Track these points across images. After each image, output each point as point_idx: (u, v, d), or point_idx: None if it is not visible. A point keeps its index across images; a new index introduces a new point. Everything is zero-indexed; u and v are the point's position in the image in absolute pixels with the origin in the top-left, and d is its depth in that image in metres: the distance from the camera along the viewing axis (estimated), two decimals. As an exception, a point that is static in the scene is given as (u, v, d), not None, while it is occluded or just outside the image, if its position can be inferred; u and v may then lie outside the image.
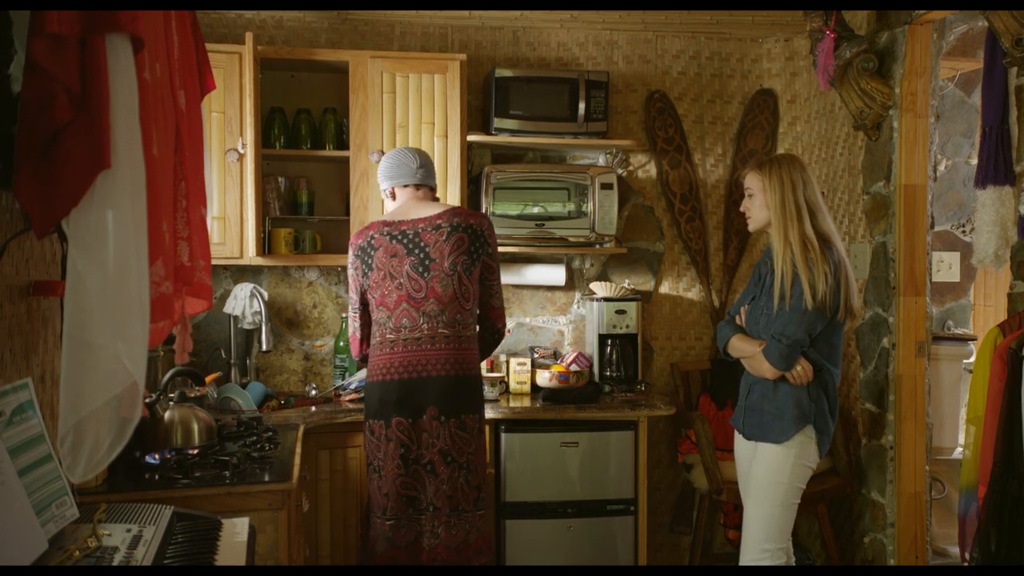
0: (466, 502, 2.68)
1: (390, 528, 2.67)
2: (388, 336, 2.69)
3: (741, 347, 2.73)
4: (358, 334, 2.83)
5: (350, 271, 2.80)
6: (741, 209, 2.81)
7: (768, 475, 2.65)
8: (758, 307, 2.73)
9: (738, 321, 2.82)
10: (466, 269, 2.67)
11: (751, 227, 2.76)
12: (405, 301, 2.66)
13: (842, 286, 2.58)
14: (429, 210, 2.74)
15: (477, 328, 2.79)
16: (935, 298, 4.58)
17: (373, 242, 2.72)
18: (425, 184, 2.83)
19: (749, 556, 2.68)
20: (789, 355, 2.58)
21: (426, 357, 2.64)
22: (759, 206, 2.70)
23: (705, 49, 3.95)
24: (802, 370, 2.60)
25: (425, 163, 2.85)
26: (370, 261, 2.71)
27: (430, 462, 2.64)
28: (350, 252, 2.80)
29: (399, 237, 2.69)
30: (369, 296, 2.74)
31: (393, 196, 2.86)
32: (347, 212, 3.50)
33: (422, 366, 2.64)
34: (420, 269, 2.65)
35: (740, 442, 2.82)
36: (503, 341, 3.83)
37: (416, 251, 2.66)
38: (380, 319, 2.70)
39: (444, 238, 2.67)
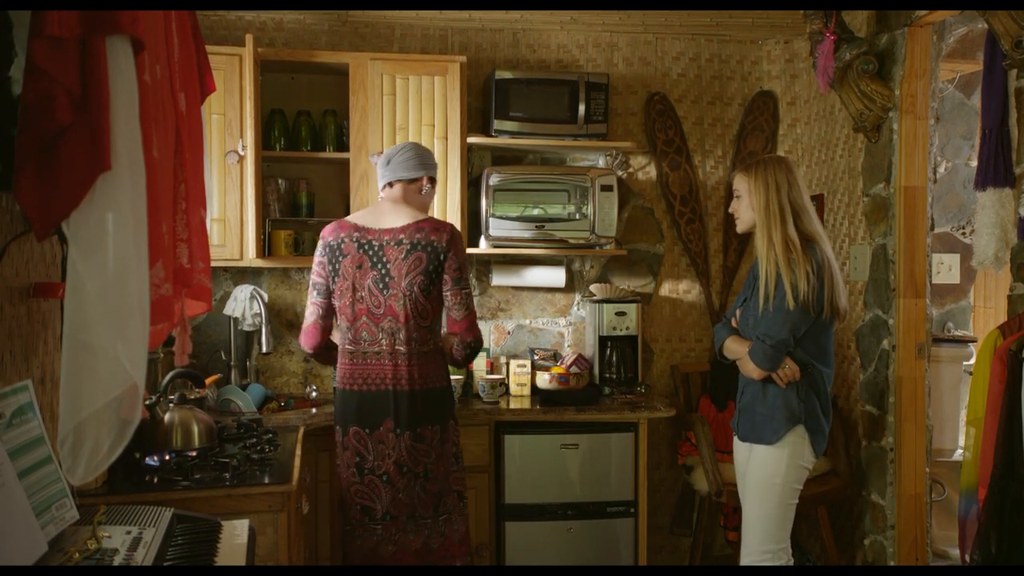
0: (423, 509, 2.66)
1: (347, 533, 2.70)
2: (348, 347, 2.67)
3: (734, 349, 2.77)
4: (319, 323, 2.71)
5: (317, 260, 2.71)
6: (730, 210, 2.85)
7: (763, 476, 2.67)
8: (748, 309, 2.76)
9: (733, 323, 2.84)
10: (423, 289, 2.61)
11: (739, 228, 2.79)
12: (365, 315, 2.63)
13: (826, 285, 2.60)
14: (397, 219, 2.67)
15: (437, 342, 2.69)
16: (935, 300, 4.58)
17: (343, 246, 2.66)
18: (398, 179, 2.73)
19: (750, 558, 2.69)
20: (773, 356, 2.61)
21: (384, 371, 2.62)
22: (745, 207, 2.73)
23: (705, 51, 3.95)
24: (788, 371, 2.62)
25: (393, 156, 2.75)
26: (337, 266, 2.67)
27: (386, 472, 2.63)
28: (320, 244, 2.72)
29: (366, 247, 2.64)
30: (333, 299, 2.69)
31: None
32: (347, 214, 3.48)
33: (380, 379, 2.63)
34: (380, 285, 2.62)
35: (736, 444, 2.84)
36: (504, 343, 3.85)
37: (379, 266, 2.63)
38: (342, 327, 2.68)
39: (403, 256, 2.61)
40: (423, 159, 2.77)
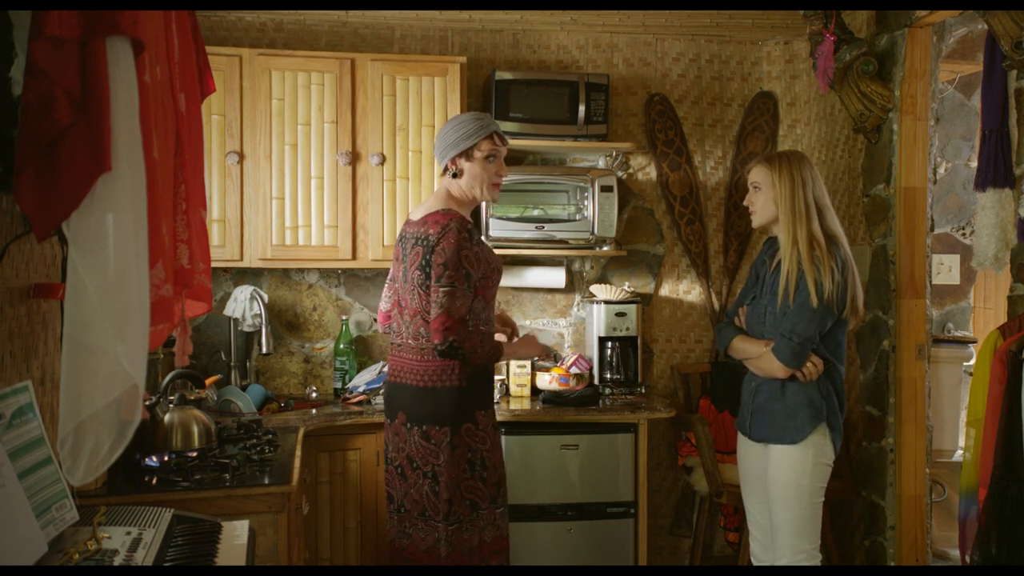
0: (433, 511, 2.57)
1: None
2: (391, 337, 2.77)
3: (745, 348, 2.72)
4: (387, 310, 2.83)
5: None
6: (745, 203, 2.79)
7: (789, 477, 2.62)
8: (760, 307, 2.71)
9: (737, 322, 2.81)
10: (421, 284, 2.55)
11: (755, 222, 2.74)
12: (396, 307, 2.70)
13: (849, 283, 2.59)
14: (420, 211, 2.66)
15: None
16: (935, 301, 4.58)
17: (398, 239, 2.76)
18: (443, 168, 2.68)
19: (785, 560, 2.64)
20: (800, 353, 2.59)
21: (402, 364, 2.65)
22: (765, 201, 2.68)
23: (705, 52, 3.95)
24: (812, 367, 2.60)
25: (437, 140, 2.68)
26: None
27: (400, 465, 2.64)
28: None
29: (401, 241, 2.70)
30: None
31: None
32: (347, 215, 3.50)
33: (399, 372, 2.65)
34: (403, 279, 2.65)
35: (746, 445, 2.78)
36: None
37: (403, 259, 2.66)
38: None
39: (409, 250, 2.61)
40: (439, 144, 2.65)
